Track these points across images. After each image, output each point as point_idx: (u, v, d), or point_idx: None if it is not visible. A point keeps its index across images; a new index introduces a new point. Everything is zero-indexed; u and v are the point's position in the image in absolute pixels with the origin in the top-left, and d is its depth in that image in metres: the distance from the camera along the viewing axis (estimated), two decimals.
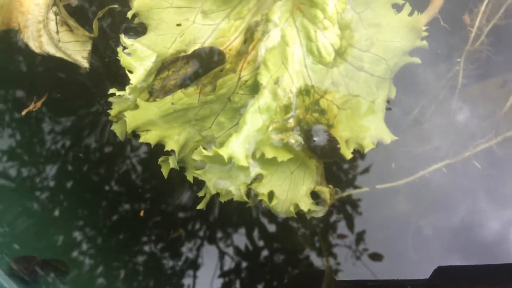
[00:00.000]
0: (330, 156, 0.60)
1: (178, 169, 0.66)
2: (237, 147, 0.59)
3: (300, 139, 0.61)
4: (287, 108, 0.62)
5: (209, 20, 0.67)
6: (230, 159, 0.59)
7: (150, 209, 0.73)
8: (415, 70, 0.72)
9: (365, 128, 0.63)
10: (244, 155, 0.59)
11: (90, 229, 0.74)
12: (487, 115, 0.68)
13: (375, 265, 0.71)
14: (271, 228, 0.72)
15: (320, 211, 0.63)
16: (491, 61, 0.69)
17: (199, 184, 0.67)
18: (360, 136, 0.63)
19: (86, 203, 0.74)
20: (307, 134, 0.60)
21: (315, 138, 0.60)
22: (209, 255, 0.73)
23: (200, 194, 0.65)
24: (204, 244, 0.73)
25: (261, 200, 0.62)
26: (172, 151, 0.65)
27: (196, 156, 0.60)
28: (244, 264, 0.73)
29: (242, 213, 0.73)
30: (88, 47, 0.71)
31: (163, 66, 0.66)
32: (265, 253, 0.73)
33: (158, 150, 0.66)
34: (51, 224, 0.73)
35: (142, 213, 0.71)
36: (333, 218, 0.72)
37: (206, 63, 0.66)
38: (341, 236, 0.71)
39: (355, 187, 0.69)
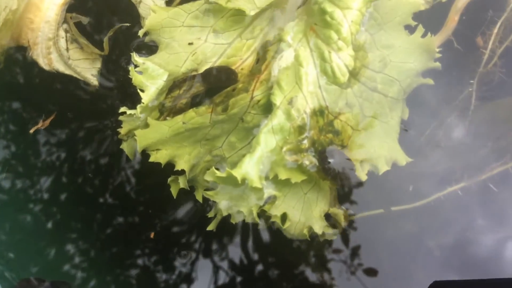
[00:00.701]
0: (343, 179, 0.59)
1: (189, 189, 0.64)
2: (251, 168, 0.58)
3: (314, 160, 0.60)
4: (301, 129, 0.61)
5: (221, 39, 0.66)
6: (244, 180, 0.58)
7: (159, 226, 0.71)
8: (427, 91, 0.71)
9: (379, 150, 0.62)
10: (258, 176, 0.58)
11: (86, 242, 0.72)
12: (500, 136, 0.68)
13: (371, 280, 0.69)
14: (267, 241, 0.70)
15: (333, 234, 0.62)
16: (503, 83, 0.68)
17: (205, 201, 0.66)
18: (375, 158, 0.62)
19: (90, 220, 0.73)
20: (321, 156, 0.59)
21: (330, 160, 0.59)
22: (203, 269, 0.71)
23: (210, 215, 0.64)
24: (199, 258, 0.71)
25: (273, 222, 0.61)
26: (182, 170, 0.64)
27: (208, 177, 0.59)
28: (238, 279, 0.71)
29: (243, 229, 0.71)
30: (98, 64, 0.70)
31: (175, 84, 0.66)
32: (260, 267, 0.71)
33: (167, 169, 0.65)
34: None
35: (152, 235, 0.70)
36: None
37: (218, 82, 0.65)
38: (337, 251, 0.69)
39: (369, 209, 0.68)
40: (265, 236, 0.69)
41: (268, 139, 0.60)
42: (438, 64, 0.63)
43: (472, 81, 0.68)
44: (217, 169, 0.58)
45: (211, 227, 0.63)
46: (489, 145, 0.67)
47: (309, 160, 0.59)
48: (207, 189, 0.62)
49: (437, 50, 0.63)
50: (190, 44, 0.66)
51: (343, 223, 0.61)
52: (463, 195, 0.64)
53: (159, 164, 0.64)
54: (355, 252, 0.68)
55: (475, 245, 0.66)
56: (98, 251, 0.73)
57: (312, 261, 0.68)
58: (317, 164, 0.59)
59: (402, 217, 0.66)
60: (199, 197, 0.65)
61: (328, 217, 0.63)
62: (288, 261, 0.69)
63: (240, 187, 0.60)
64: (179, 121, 0.63)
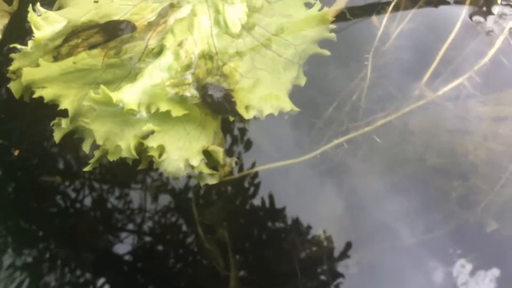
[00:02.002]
0: (225, 109, 0.58)
1: (70, 130, 0.62)
2: (129, 94, 0.57)
3: (196, 93, 0.59)
4: (187, 68, 0.61)
5: (128, 0, 0.69)
6: (119, 101, 0.56)
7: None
8: (330, 73, 0.73)
9: (266, 97, 0.62)
10: (136, 103, 0.57)
11: None
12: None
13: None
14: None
15: (213, 176, 0.59)
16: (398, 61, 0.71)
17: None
18: (261, 104, 0.61)
19: None
20: (203, 88, 0.58)
21: (210, 92, 0.58)
22: None
23: (85, 147, 0.60)
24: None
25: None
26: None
27: (86, 101, 0.57)
28: None
29: None
30: (6, 20, 0.71)
31: (73, 33, 0.67)
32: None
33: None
34: None
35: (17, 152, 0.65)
36: None
37: (117, 34, 0.67)
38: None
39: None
40: None
41: (153, 74, 0.60)
42: (333, 35, 0.66)
43: (367, 55, 0.70)
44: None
45: (88, 167, 0.60)
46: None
47: (191, 93, 0.59)
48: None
49: (331, 19, 0.66)
50: (96, 1, 0.68)
51: (223, 163, 0.58)
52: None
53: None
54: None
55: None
56: None
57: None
58: (198, 96, 0.58)
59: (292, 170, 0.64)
60: (86, 148, 0.63)
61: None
62: None
63: (119, 117, 0.58)
64: (70, 61, 0.63)
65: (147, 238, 0.69)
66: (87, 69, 0.63)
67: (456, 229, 0.68)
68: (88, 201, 0.68)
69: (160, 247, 0.70)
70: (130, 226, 0.68)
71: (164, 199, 0.70)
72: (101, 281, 0.66)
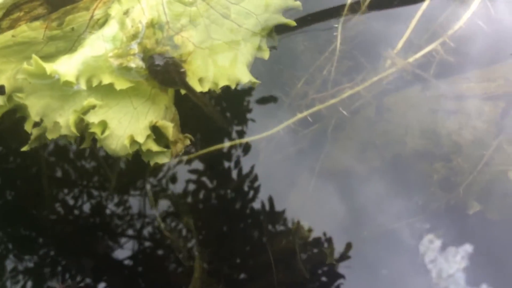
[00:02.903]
0: (174, 81, 0.52)
1: (9, 108, 0.56)
2: (66, 65, 0.52)
3: (141, 64, 0.54)
4: (133, 37, 0.56)
5: None
6: (54, 74, 0.51)
7: None
8: (297, 46, 0.68)
9: (224, 69, 0.57)
10: (74, 74, 0.52)
11: None
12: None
13: None
14: None
15: (163, 155, 0.53)
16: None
17: None
18: (217, 76, 0.56)
19: None
20: (149, 59, 0.53)
21: (157, 62, 0.53)
22: None
23: (27, 126, 0.54)
24: None
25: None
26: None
27: (19, 74, 0.52)
28: None
29: None
30: None
31: (15, 5, 0.62)
32: None
33: None
34: None
35: None
36: None
37: (62, 5, 0.61)
38: None
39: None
40: None
41: (95, 45, 0.54)
42: (298, 3, 0.61)
43: (336, 25, 0.65)
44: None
45: (25, 147, 0.54)
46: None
47: (136, 64, 0.53)
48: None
49: None
50: None
51: (173, 139, 0.53)
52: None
53: None
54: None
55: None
56: None
57: None
58: (144, 67, 0.53)
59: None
60: (28, 127, 0.57)
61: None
62: None
63: (56, 92, 0.53)
64: (9, 34, 0.58)
65: (102, 232, 0.64)
66: (27, 42, 0.58)
67: (437, 212, 0.63)
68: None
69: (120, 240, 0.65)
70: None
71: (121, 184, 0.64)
72: None
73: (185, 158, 0.59)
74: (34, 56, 0.49)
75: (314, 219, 0.65)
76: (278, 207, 0.64)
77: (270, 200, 0.64)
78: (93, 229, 0.65)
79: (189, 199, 0.65)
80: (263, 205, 0.64)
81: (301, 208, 0.66)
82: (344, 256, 0.63)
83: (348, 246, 0.63)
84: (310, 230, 0.64)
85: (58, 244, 0.64)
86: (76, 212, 0.65)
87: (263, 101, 0.65)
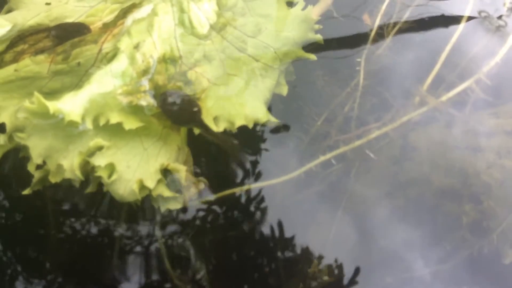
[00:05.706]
0: (189, 120, 0.48)
1: (8, 146, 0.52)
2: (71, 103, 0.48)
3: (153, 101, 0.50)
4: (144, 73, 0.52)
5: (84, 2, 0.61)
6: (58, 113, 0.47)
7: None
8: (317, 81, 0.64)
9: (239, 106, 0.53)
10: (79, 113, 0.48)
11: None
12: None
13: None
14: None
15: (175, 200, 0.49)
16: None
17: None
18: (233, 114, 0.52)
19: None
20: (162, 95, 0.49)
21: (171, 100, 0.49)
22: None
23: (30, 167, 0.50)
24: None
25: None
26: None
27: (20, 113, 0.48)
28: None
29: None
30: None
31: (19, 37, 0.58)
32: None
33: None
34: None
35: None
36: None
37: (68, 38, 0.58)
38: None
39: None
40: None
41: (103, 81, 0.51)
42: (319, 36, 0.57)
43: (359, 59, 0.61)
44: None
45: (27, 190, 0.50)
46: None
47: (147, 102, 0.49)
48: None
49: (316, 19, 0.57)
50: (48, 4, 0.60)
51: (186, 184, 0.48)
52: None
53: None
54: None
55: None
56: None
57: None
58: (155, 105, 0.49)
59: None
60: (31, 168, 0.53)
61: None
62: None
63: (61, 132, 0.49)
64: (12, 69, 0.54)
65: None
66: (30, 77, 0.54)
67: (469, 260, 0.58)
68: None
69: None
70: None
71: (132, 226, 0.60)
72: None
73: (198, 202, 0.54)
74: (36, 93, 0.45)
75: (335, 261, 0.61)
76: (296, 250, 0.60)
77: (288, 242, 0.60)
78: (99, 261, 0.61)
79: (201, 243, 0.60)
80: (282, 247, 0.59)
81: (322, 249, 0.61)
82: None
83: None
84: (330, 273, 0.59)
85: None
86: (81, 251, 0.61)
87: (281, 139, 0.61)
